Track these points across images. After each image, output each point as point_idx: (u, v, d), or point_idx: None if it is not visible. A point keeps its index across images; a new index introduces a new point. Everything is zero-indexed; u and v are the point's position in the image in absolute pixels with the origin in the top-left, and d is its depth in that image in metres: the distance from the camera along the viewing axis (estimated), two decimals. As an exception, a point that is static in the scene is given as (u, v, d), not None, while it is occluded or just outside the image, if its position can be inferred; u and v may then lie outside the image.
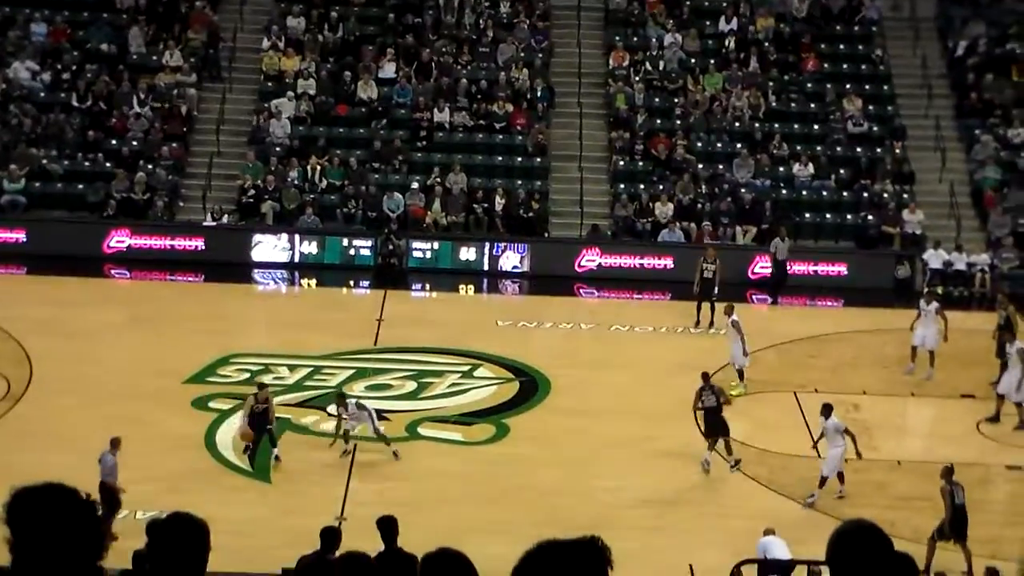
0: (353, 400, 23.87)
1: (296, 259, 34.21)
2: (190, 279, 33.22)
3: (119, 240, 34.11)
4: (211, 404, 25.59)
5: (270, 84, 38.27)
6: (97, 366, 27.14)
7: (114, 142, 36.61)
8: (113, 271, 33.57)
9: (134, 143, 36.49)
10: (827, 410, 22.83)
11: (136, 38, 38.92)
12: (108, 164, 36.00)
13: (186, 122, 37.24)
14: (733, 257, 33.89)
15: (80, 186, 35.65)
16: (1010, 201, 35.61)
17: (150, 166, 35.78)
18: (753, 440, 24.98)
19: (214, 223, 34.67)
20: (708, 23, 40.26)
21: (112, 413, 24.95)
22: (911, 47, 40.00)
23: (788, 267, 33.25)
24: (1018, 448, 24.73)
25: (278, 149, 36.48)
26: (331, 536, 17.01)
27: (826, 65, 39.28)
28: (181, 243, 34.21)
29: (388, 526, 14.92)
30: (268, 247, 34.18)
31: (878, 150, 36.97)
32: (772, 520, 20.83)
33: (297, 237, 34.28)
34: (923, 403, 26.76)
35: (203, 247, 34.10)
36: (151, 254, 33.88)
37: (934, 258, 33.93)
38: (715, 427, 23.63)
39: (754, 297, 33.31)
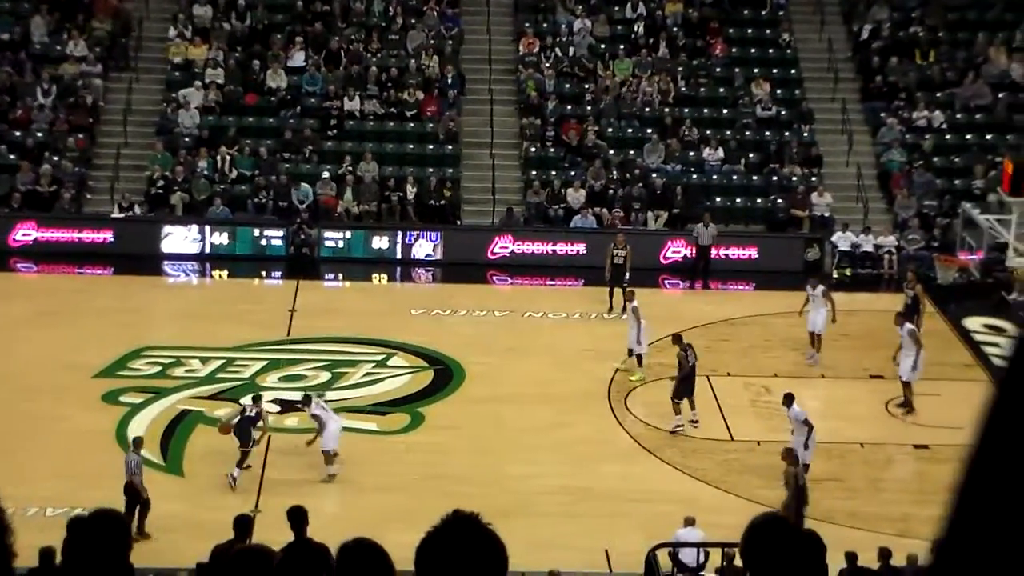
0: (321, 404, 23.33)
1: (207, 250, 33.87)
2: (99, 272, 32.80)
3: (25, 233, 33.61)
4: (122, 398, 25.37)
5: (177, 74, 37.86)
6: (4, 361, 26.77)
7: (18, 134, 36.05)
8: (19, 265, 33.07)
9: (39, 134, 35.95)
10: (788, 399, 23.11)
11: (39, 27, 38.33)
12: (12, 156, 35.46)
13: (92, 113, 36.75)
14: (645, 242, 34.05)
15: (-16, 179, 35.09)
16: (915, 183, 36.10)
17: (56, 158, 35.29)
18: (665, 423, 25.15)
19: (122, 215, 34.27)
20: (617, 8, 40.38)
21: (21, 409, 24.68)
22: (817, 31, 40.39)
23: (711, 252, 33.41)
24: (925, 427, 25.12)
25: (187, 139, 36.12)
26: (244, 525, 16.96)
27: (734, 50, 39.56)
28: (89, 235, 33.75)
29: (298, 517, 14.92)
30: (178, 238, 33.83)
31: (786, 134, 37.30)
32: (687, 504, 21.03)
33: (207, 228, 33.95)
34: (833, 384, 27.07)
35: (112, 239, 33.67)
36: (58, 247, 33.41)
37: (842, 240, 34.31)
38: (691, 387, 24.55)
39: (666, 282, 33.51)
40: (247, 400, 23.64)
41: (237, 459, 22.30)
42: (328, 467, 22.80)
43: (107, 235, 33.74)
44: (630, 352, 26.98)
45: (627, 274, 30.17)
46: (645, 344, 26.72)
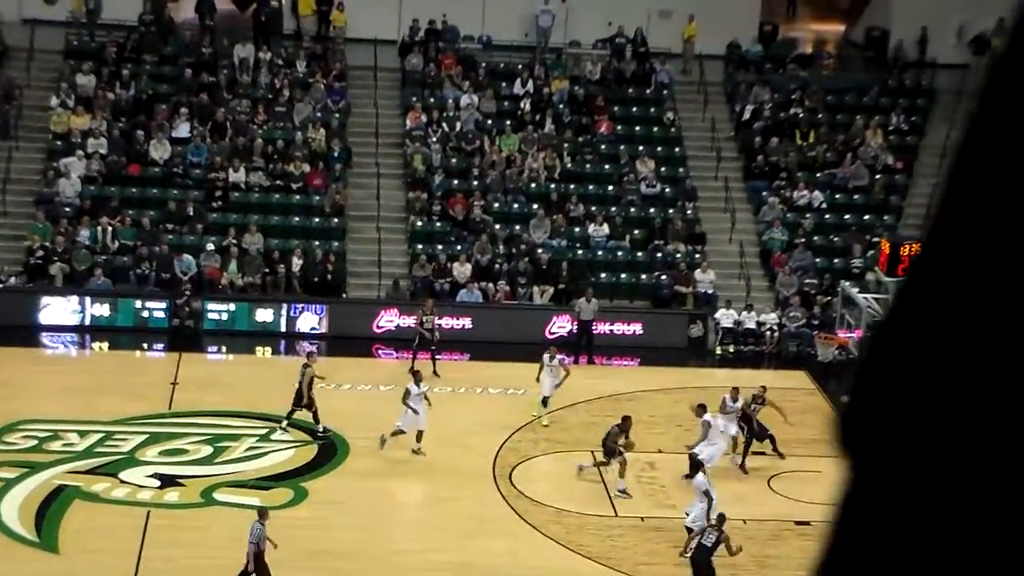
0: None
1: (87, 322, 33.31)
2: (-26, 343, 32.08)
3: (-102, 303, 32.81)
4: (-4, 473, 24.77)
5: (59, 143, 37.35)
6: None
7: None
8: None
9: (-85, 202, 35.26)
10: (695, 468, 24.01)
11: (-83, 94, 37.71)
12: None
13: (-29, 181, 36.12)
14: (530, 317, 34.26)
15: None
16: (795, 261, 36.65)
17: (-68, 226, 34.60)
18: (550, 499, 25.14)
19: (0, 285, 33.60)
20: (504, 84, 40.73)
21: None
22: (700, 111, 41.04)
23: (593, 327, 33.58)
24: (807, 504, 25.32)
25: (67, 209, 35.58)
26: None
27: (619, 127, 40.02)
28: (-36, 306, 33.04)
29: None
30: (57, 310, 33.23)
31: (670, 211, 37.71)
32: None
33: (88, 299, 33.40)
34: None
35: (-13, 310, 32.99)
36: (-68, 317, 32.65)
37: (725, 317, 34.70)
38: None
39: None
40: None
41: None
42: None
43: (-17, 306, 33.03)
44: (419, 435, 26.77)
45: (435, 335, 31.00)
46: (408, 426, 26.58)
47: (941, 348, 1.30)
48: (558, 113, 39.77)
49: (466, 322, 33.90)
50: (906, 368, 1.33)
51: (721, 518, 22.19)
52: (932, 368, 1.31)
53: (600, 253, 36.71)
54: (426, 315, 31.20)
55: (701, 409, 26.31)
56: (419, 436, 26.43)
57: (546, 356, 28.92)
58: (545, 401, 28.70)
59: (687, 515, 23.38)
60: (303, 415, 27.35)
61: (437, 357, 30.95)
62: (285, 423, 27.32)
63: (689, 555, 22.81)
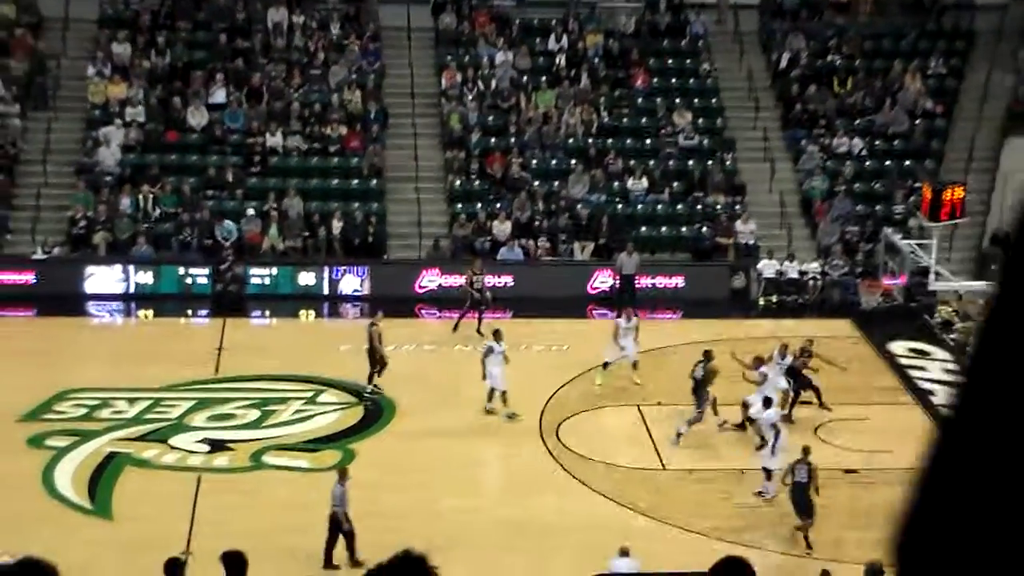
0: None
1: (131, 290, 33.53)
2: (21, 314, 32.34)
3: (-55, 276, 33.11)
4: (47, 442, 25.02)
5: (97, 112, 37.48)
6: (-74, 407, 26.29)
7: (-64, 175, 35.53)
8: (-61, 308, 32.53)
9: (-43, 176, 35.48)
10: (768, 403, 24.20)
11: (-45, 68, 37.87)
12: (-70, 198, 34.95)
13: (10, 153, 36.30)
14: (572, 272, 34.24)
15: (-99, 222, 34.54)
16: (836, 210, 36.45)
17: (-25, 199, 34.83)
18: (598, 454, 25.20)
19: (44, 256, 33.82)
20: (538, 41, 40.55)
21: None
22: (736, 61, 40.77)
23: (635, 281, 33.54)
24: (854, 452, 25.32)
25: (108, 178, 35.75)
26: (173, 568, 16.76)
27: (655, 80, 39.82)
28: (10, 277, 33.29)
29: (236, 562, 14.74)
30: (102, 278, 33.46)
31: (709, 163, 37.54)
32: (621, 534, 21.03)
33: (132, 267, 33.61)
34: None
35: (34, 281, 33.24)
36: (-21, 289, 32.94)
37: (768, 267, 34.57)
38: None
39: (594, 312, 33.56)
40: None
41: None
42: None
43: (29, 276, 33.30)
44: (503, 395, 26.66)
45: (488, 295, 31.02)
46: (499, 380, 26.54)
47: (992, 483, 1.37)
48: (593, 68, 39.59)
49: (508, 279, 33.91)
50: (958, 496, 1.39)
51: (806, 450, 22.35)
52: (984, 497, 1.36)
53: (640, 207, 36.60)
54: (476, 275, 31.13)
55: (757, 361, 26.28)
56: (491, 396, 26.51)
57: (622, 320, 28.48)
58: (606, 365, 28.25)
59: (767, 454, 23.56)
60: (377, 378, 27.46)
61: (483, 317, 30.83)
62: (370, 388, 27.42)
63: (756, 497, 23.00)
